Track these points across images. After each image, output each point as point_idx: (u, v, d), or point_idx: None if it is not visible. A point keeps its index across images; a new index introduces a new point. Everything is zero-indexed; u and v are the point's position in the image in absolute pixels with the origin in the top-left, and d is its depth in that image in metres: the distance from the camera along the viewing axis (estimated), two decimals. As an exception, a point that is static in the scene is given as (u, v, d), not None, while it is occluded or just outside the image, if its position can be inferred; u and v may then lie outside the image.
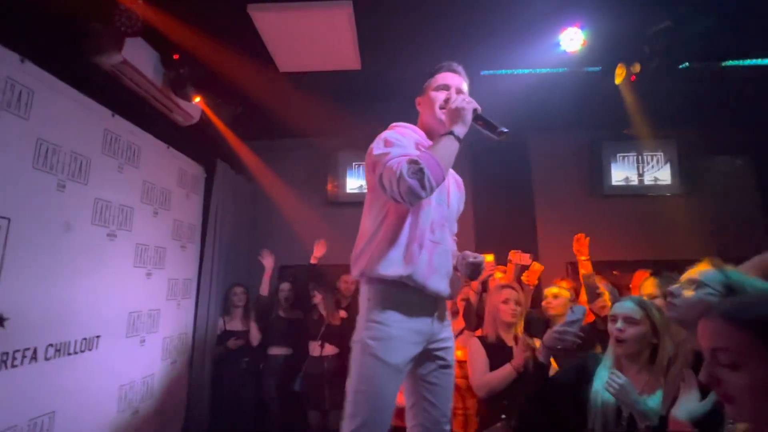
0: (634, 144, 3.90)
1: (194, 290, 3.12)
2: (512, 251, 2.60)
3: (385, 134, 1.30)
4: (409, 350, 1.22)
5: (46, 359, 1.77)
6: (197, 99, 2.67)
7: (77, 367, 1.95)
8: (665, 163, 3.87)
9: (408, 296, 1.23)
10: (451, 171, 1.38)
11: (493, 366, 1.90)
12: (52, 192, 1.84)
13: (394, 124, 1.39)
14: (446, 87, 1.38)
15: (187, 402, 2.96)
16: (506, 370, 1.83)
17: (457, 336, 2.69)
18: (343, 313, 3.02)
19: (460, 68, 1.42)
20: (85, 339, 2.00)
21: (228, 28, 2.37)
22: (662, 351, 1.39)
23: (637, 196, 3.90)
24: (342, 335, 2.67)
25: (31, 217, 1.72)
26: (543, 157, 4.07)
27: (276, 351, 3.08)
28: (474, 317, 2.61)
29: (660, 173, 3.88)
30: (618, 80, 2.50)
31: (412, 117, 1.45)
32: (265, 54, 2.62)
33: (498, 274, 2.66)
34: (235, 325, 3.16)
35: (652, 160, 3.90)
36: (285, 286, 3.18)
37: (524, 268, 2.63)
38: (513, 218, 3.92)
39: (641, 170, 3.90)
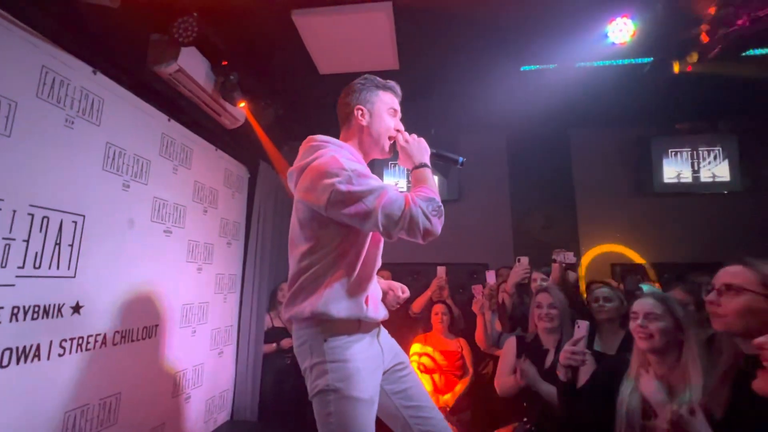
0: (689, 139, 3.66)
1: (239, 285, 3.28)
2: (556, 250, 2.55)
3: (341, 159, 1.15)
4: (376, 378, 1.21)
5: (114, 344, 1.94)
6: (242, 104, 2.81)
7: (139, 353, 2.11)
8: (724, 158, 3.60)
9: (361, 329, 1.21)
10: None
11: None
12: (119, 191, 2.00)
13: (322, 141, 1.25)
14: (395, 113, 1.35)
15: (233, 392, 3.11)
16: (511, 381, 1.99)
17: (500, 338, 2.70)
18: None
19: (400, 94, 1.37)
20: (145, 327, 2.16)
21: (272, 35, 2.48)
22: (687, 349, 1.34)
23: (691, 194, 3.66)
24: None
25: (102, 215, 1.88)
26: (585, 154, 3.92)
27: None
28: (507, 320, 2.61)
29: (718, 169, 3.61)
30: (677, 69, 2.36)
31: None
32: (306, 57, 2.71)
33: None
34: (281, 322, 3.28)
35: (709, 155, 3.64)
36: None
37: (570, 267, 2.54)
38: (553, 218, 3.81)
39: (696, 166, 3.64)
